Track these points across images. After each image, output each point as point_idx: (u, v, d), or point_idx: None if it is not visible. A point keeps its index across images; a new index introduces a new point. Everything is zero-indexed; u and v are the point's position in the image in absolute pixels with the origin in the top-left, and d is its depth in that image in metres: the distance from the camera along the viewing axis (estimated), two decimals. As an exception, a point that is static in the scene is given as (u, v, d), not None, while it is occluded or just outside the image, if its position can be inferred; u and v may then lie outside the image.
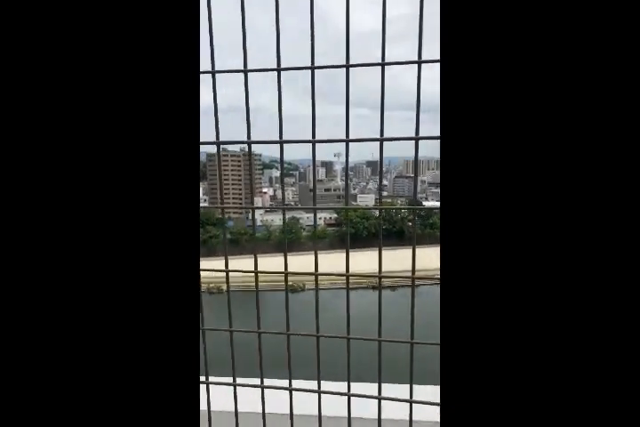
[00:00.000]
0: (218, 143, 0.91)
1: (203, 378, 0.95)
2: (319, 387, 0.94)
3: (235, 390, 0.97)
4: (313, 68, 0.83)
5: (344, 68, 0.82)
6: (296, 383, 1.00)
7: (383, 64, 0.78)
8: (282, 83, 0.84)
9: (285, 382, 0.97)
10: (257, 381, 1.01)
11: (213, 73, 0.86)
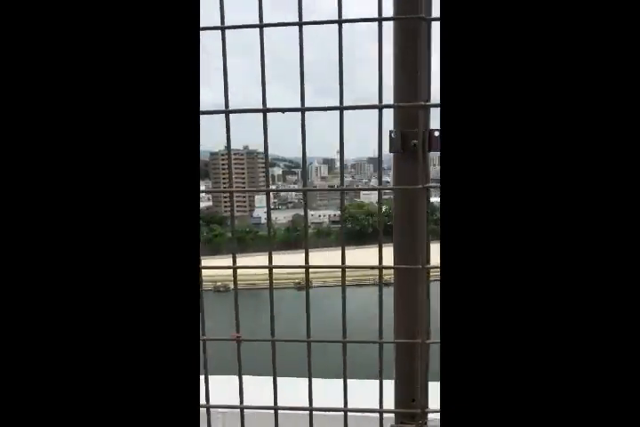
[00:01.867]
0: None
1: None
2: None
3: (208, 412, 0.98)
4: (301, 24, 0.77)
5: (348, 65, 0.81)
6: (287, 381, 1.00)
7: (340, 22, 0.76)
8: (287, 81, 0.83)
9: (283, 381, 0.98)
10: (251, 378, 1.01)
11: (222, 28, 0.80)
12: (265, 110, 0.85)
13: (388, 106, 0.81)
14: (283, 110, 0.84)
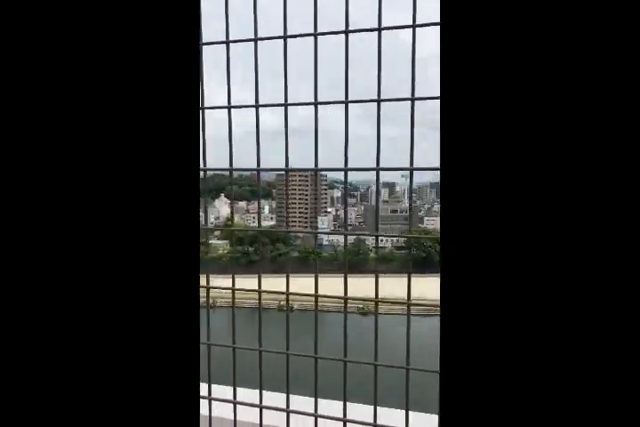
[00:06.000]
0: (230, 170, 0.98)
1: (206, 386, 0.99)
2: (316, 410, 0.95)
3: (234, 407, 1.01)
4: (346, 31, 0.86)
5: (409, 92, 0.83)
6: (302, 400, 1.03)
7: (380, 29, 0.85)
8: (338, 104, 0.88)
9: (293, 398, 0.99)
10: (269, 394, 1.03)
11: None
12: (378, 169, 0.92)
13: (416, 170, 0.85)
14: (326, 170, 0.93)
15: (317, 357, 0.96)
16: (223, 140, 1.07)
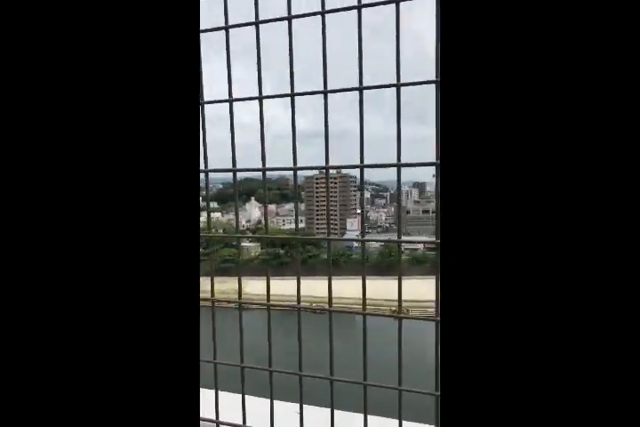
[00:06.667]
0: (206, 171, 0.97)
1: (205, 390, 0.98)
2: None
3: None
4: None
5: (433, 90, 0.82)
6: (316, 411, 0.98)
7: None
8: (368, 106, 0.87)
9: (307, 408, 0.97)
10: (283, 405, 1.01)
11: (292, 95, 0.89)
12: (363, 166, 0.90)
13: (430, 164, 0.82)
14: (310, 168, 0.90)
15: (333, 379, 0.92)
16: (247, 146, 1.09)
